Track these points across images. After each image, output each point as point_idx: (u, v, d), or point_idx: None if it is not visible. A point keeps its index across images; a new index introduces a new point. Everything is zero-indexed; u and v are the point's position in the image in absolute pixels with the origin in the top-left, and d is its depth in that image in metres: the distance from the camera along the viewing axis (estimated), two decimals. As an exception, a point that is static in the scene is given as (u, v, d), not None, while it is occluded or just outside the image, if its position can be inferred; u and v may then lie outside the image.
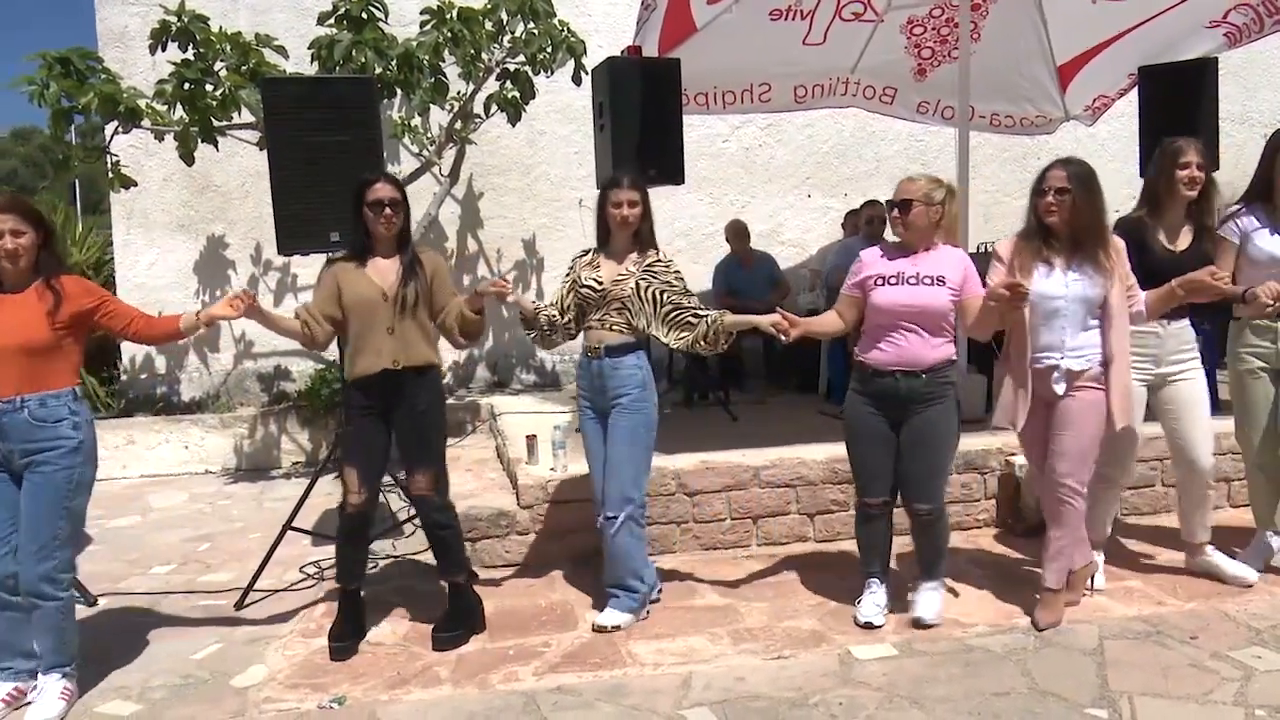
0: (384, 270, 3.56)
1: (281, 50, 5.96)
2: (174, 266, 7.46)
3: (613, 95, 5.27)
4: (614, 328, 3.62)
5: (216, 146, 6.02)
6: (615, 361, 3.60)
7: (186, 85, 5.65)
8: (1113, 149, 8.16)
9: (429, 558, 4.46)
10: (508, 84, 6.52)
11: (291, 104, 4.12)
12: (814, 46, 6.23)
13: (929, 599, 3.56)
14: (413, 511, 4.51)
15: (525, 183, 7.92)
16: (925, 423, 3.42)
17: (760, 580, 4.11)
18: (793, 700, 3.02)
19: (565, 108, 7.75)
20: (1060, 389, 3.42)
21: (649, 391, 3.66)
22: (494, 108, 6.65)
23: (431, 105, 6.29)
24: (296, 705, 3.10)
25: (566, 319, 3.73)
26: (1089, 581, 3.78)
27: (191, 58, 5.69)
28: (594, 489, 3.73)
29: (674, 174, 5.49)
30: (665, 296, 3.59)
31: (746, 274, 7.17)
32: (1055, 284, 3.41)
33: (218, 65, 5.74)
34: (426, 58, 5.94)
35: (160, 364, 7.42)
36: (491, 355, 8.03)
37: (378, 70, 5.71)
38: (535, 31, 6.26)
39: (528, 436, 4.74)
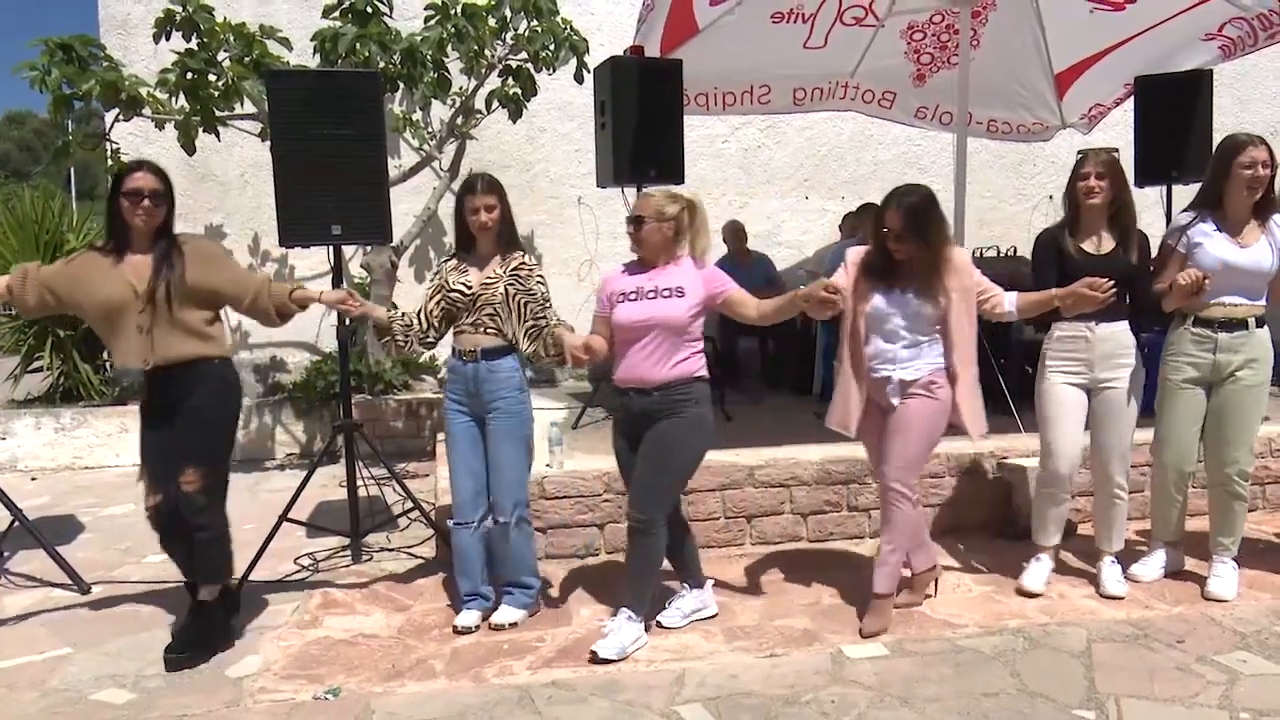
0: (138, 266, 3.39)
1: (285, 42, 5.97)
2: (171, 256, 7.45)
3: (614, 94, 5.30)
4: (488, 331, 3.60)
5: (218, 136, 6.03)
6: (492, 365, 3.59)
7: (189, 75, 5.66)
8: (1108, 157, 8.21)
9: (424, 550, 4.50)
10: (509, 80, 6.55)
11: (295, 97, 4.12)
12: (814, 50, 6.27)
13: (628, 628, 3.42)
14: (408, 504, 4.54)
15: (525, 179, 7.94)
16: (656, 434, 3.38)
17: (753, 579, 4.14)
18: (785, 698, 3.05)
19: (566, 105, 7.77)
20: (895, 399, 3.48)
21: (525, 393, 3.68)
22: (495, 104, 6.67)
23: (433, 100, 6.31)
24: (291, 696, 3.12)
25: (426, 326, 3.70)
26: (932, 586, 3.84)
27: (195, 47, 5.70)
28: (456, 492, 3.66)
29: (674, 174, 5.52)
30: (528, 309, 3.60)
31: (743, 274, 7.09)
32: (894, 300, 3.47)
33: (221, 55, 5.75)
34: (430, 53, 5.96)
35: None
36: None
37: (381, 64, 5.73)
38: (538, 29, 6.29)
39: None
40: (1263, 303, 3.66)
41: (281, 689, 3.17)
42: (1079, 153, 3.81)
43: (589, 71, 6.22)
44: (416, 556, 4.46)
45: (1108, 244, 3.71)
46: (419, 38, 5.94)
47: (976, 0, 5.61)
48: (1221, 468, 3.75)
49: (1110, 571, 3.87)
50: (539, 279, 3.67)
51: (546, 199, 7.99)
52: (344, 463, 4.47)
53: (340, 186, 4.15)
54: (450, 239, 7.87)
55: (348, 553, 4.44)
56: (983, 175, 8.33)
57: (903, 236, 3.41)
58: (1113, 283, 3.39)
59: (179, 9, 5.64)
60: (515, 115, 6.65)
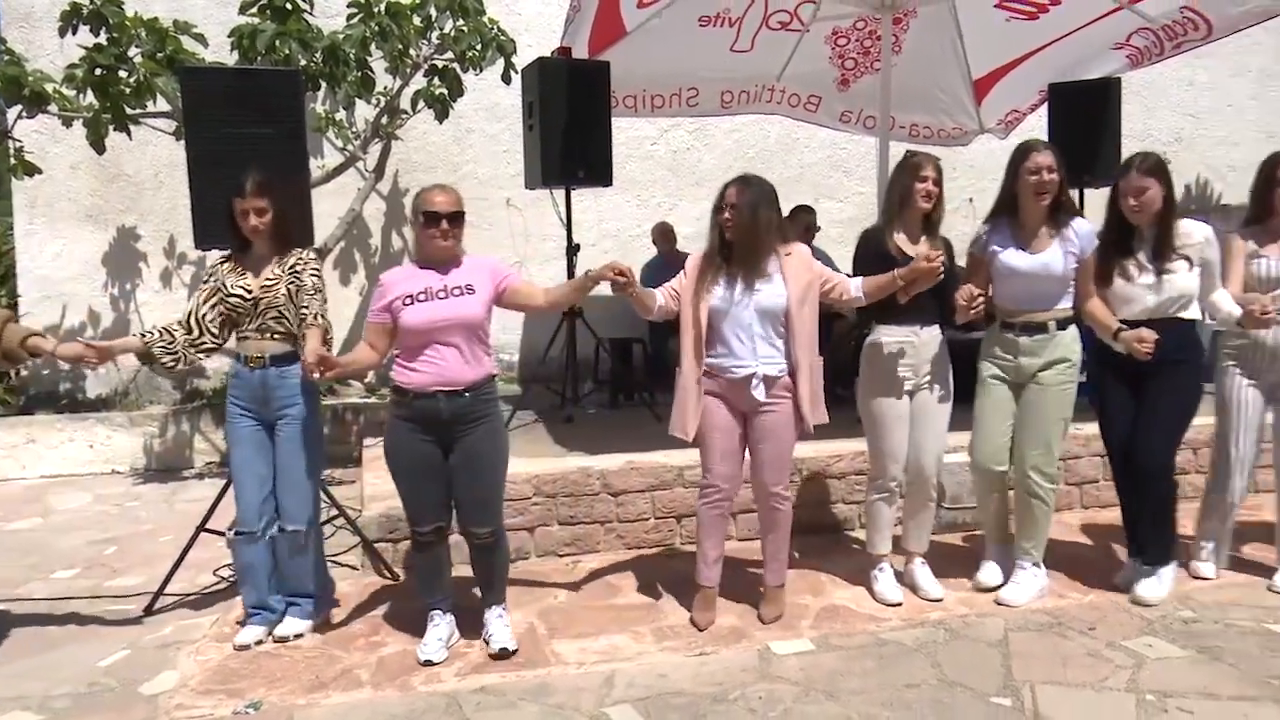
0: None
1: (200, 38, 5.82)
2: (81, 258, 7.21)
3: (542, 95, 5.29)
4: (275, 336, 3.51)
5: (130, 135, 5.84)
6: (281, 371, 3.49)
7: (98, 71, 5.47)
8: (1024, 162, 8.45)
9: (350, 559, 4.42)
10: (435, 80, 6.47)
11: (211, 95, 4.01)
12: (741, 53, 6.34)
13: (501, 629, 3.47)
14: (334, 512, 4.46)
15: (452, 180, 7.83)
16: (476, 445, 3.33)
17: (682, 579, 4.15)
18: (713, 695, 3.07)
19: (494, 106, 7.72)
20: (760, 395, 3.49)
21: (314, 399, 3.61)
22: (421, 104, 6.59)
23: (357, 99, 6.21)
24: (210, 712, 3.04)
25: (199, 333, 3.55)
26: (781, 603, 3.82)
27: (104, 42, 5.51)
28: (242, 500, 3.53)
29: (602, 175, 5.54)
30: (298, 297, 3.50)
31: (673, 275, 7.21)
32: (738, 295, 3.49)
33: (132, 51, 5.57)
34: (353, 51, 5.85)
35: (65, 359, 7.15)
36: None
37: (302, 62, 5.62)
38: (465, 29, 6.23)
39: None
40: (1065, 306, 3.70)
41: (199, 705, 3.08)
42: (910, 153, 3.80)
43: (516, 72, 6.19)
44: (342, 565, 4.38)
45: (924, 245, 3.69)
46: (341, 36, 5.84)
47: (898, 7, 5.73)
48: (1023, 467, 3.75)
49: (923, 573, 3.92)
50: (313, 271, 3.55)
51: (474, 200, 7.87)
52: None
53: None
54: (377, 240, 7.79)
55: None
56: (905, 178, 8.50)
57: (738, 208, 3.45)
58: (942, 254, 3.44)
59: (86, 2, 5.45)
60: (441, 116, 6.58)
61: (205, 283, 3.62)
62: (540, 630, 3.62)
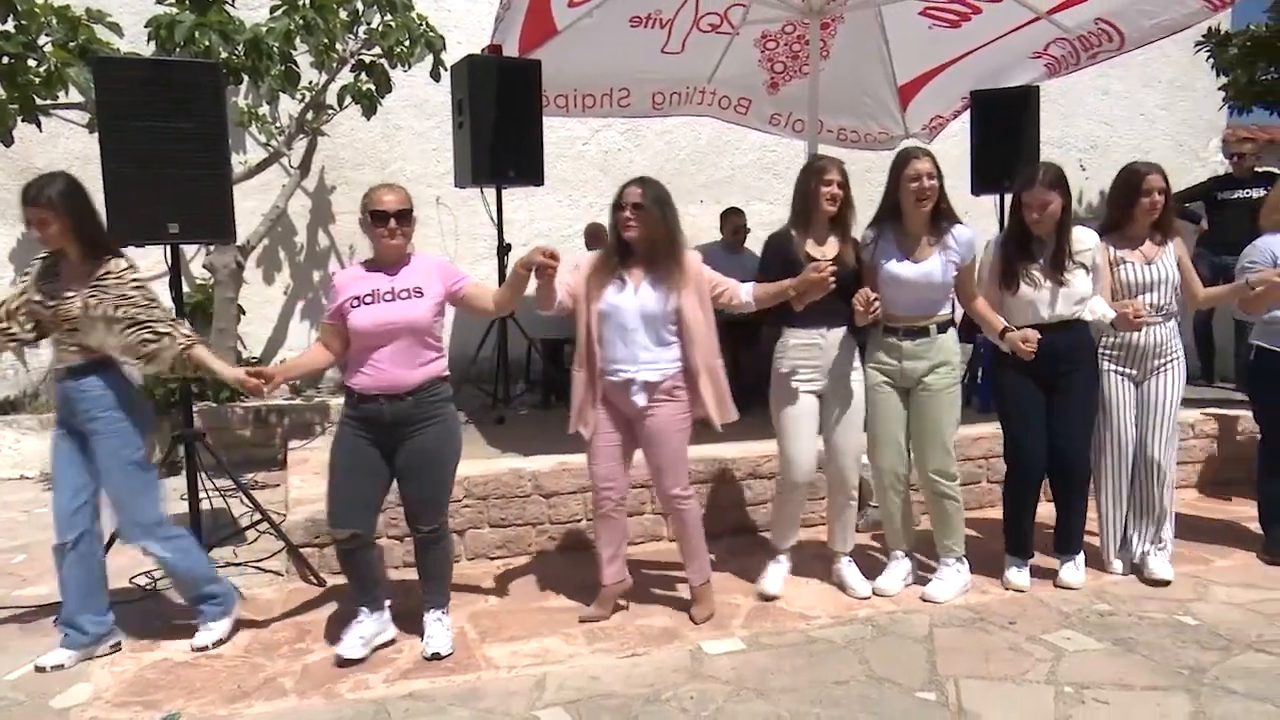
0: None
1: (115, 28, 5.60)
2: (-12, 254, 6.91)
3: (472, 93, 5.24)
4: (70, 349, 3.33)
5: (39, 127, 5.60)
6: (78, 384, 3.33)
7: (5, 59, 5.24)
8: (946, 167, 8.58)
9: (274, 564, 4.31)
10: (363, 76, 6.36)
11: (127, 86, 3.87)
12: (672, 55, 6.37)
13: (439, 632, 3.43)
14: (257, 517, 4.35)
15: (380, 178, 7.70)
16: (422, 447, 3.31)
17: (614, 580, 4.16)
18: (645, 696, 3.08)
19: (423, 103, 7.61)
20: (641, 400, 3.50)
21: (123, 409, 3.36)
22: (348, 100, 6.47)
23: (281, 94, 6.06)
24: (127, 723, 2.94)
25: (9, 323, 3.31)
26: (623, 599, 3.83)
27: (11, 29, 5.27)
28: (57, 511, 3.37)
29: (533, 174, 5.51)
30: (120, 312, 3.27)
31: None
32: (627, 298, 3.49)
33: (42, 39, 5.35)
34: (276, 45, 5.71)
35: (-30, 360, 6.85)
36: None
37: (223, 55, 5.46)
38: (393, 24, 6.13)
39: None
40: (945, 311, 3.81)
41: (114, 718, 2.98)
42: (815, 157, 3.83)
43: (446, 69, 6.12)
44: (266, 570, 4.28)
45: (833, 248, 3.75)
46: (264, 28, 5.69)
47: (826, 13, 5.81)
48: (925, 471, 3.83)
49: (850, 572, 3.96)
50: (133, 283, 3.32)
51: (403, 198, 7.80)
52: (185, 475, 4.24)
53: (178, 183, 3.93)
54: (302, 238, 7.61)
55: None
56: (833, 181, 8.62)
57: (641, 208, 3.45)
58: (834, 265, 3.50)
59: (-7, -13, 5.22)
60: (369, 112, 6.46)
61: (24, 274, 3.40)
62: (471, 634, 3.59)
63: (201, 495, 4.25)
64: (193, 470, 4.21)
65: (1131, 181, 3.99)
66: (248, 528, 4.63)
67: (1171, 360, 4.04)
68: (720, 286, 3.65)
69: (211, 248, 6.50)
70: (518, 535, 4.46)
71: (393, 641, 3.50)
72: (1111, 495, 4.12)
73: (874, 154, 8.15)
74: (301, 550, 4.14)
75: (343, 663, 3.29)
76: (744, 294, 3.66)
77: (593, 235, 7.36)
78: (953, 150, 8.30)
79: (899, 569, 3.99)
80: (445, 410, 3.40)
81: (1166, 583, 4.00)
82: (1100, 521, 4.18)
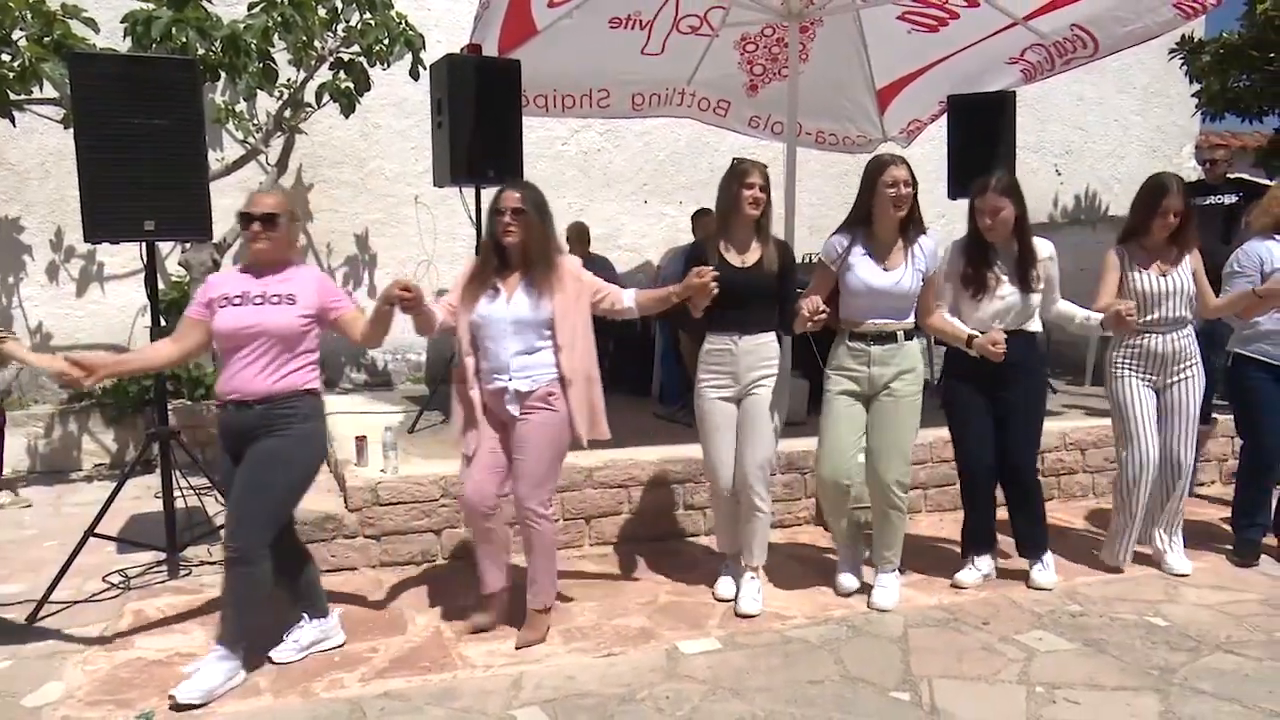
0: None
1: (91, 23, 5.57)
2: (-41, 250, 6.82)
3: (451, 92, 5.22)
4: None
5: (13, 122, 5.56)
6: None
7: (-22, 54, 5.19)
8: (924, 170, 8.64)
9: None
10: (341, 74, 6.33)
11: (103, 83, 3.84)
12: (652, 56, 6.37)
13: (217, 668, 3.13)
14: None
15: (359, 176, 7.70)
16: (255, 454, 3.14)
17: (591, 580, 4.17)
18: (621, 696, 3.08)
19: (402, 102, 7.59)
20: (514, 410, 3.42)
21: None
22: (326, 98, 6.44)
23: (259, 91, 6.03)
24: (99, 723, 2.92)
25: None
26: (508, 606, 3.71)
27: (-15, 24, 5.23)
28: None
29: (512, 174, 5.48)
30: None
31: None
32: (499, 307, 3.42)
33: (16, 34, 5.30)
34: (254, 41, 5.68)
35: (-59, 356, 6.75)
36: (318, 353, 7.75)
37: (200, 51, 5.43)
38: (372, 22, 6.11)
39: (357, 438, 4.62)
40: (911, 319, 3.77)
41: (86, 716, 2.95)
42: (738, 160, 3.79)
43: (425, 68, 6.10)
44: (240, 569, 4.24)
45: (754, 255, 3.72)
46: (242, 25, 5.66)
47: (804, 16, 5.84)
48: (879, 479, 3.76)
49: (749, 587, 3.82)
50: None
51: (382, 197, 7.78)
52: (159, 473, 4.21)
53: (154, 180, 3.91)
54: (279, 236, 7.56)
55: (164, 568, 4.18)
56: (812, 184, 8.67)
57: (521, 213, 3.39)
58: (715, 272, 3.42)
59: (-34, -19, 5.17)
60: (347, 110, 6.45)
61: None
62: (447, 633, 3.58)
63: (176, 493, 4.22)
64: (167, 468, 4.18)
65: (1153, 196, 4.01)
66: (222, 526, 4.58)
67: (1192, 366, 4.10)
68: (602, 292, 3.58)
69: (188, 245, 6.46)
70: (495, 535, 4.45)
71: (340, 646, 3.44)
72: (1132, 499, 4.13)
73: (852, 157, 8.22)
74: (277, 550, 4.11)
75: (272, 664, 3.26)
76: (627, 300, 3.60)
77: (576, 235, 7.37)
78: (932, 154, 8.39)
79: (847, 579, 3.96)
80: (296, 427, 3.18)
81: (1185, 575, 4.15)
82: (1118, 523, 4.22)
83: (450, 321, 3.50)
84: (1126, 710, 2.98)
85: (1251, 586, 4.05)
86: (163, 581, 4.11)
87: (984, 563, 4.09)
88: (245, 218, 3.26)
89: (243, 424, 3.16)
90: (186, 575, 4.17)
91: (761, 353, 3.72)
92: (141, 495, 5.31)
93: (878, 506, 3.86)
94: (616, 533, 4.63)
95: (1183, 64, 8.78)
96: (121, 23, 5.47)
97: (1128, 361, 4.12)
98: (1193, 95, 9.02)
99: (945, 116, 6.84)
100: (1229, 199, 6.38)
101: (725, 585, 3.94)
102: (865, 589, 3.93)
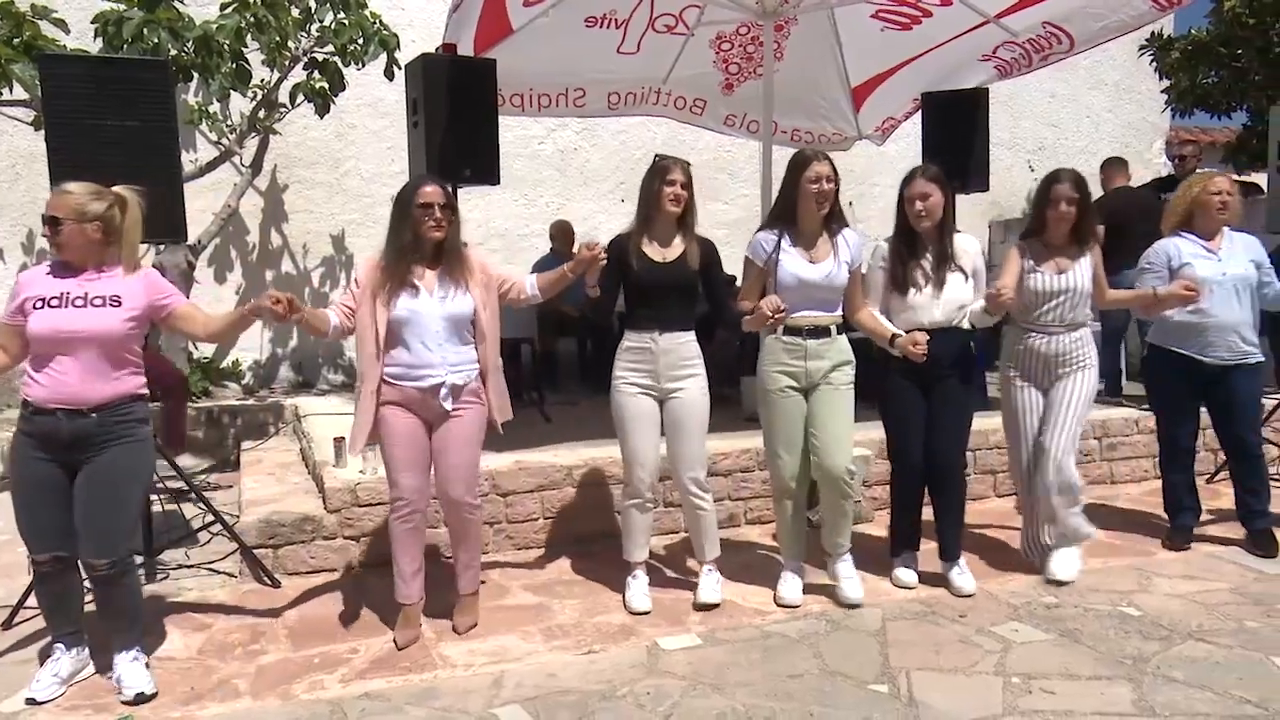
0: None
1: (61, 24, 5.51)
2: (-72, 254, 6.74)
3: (427, 92, 5.21)
4: None
5: (-18, 123, 5.49)
6: None
7: (-54, 55, 5.13)
8: (901, 167, 8.70)
9: (227, 565, 4.27)
10: (315, 74, 6.30)
11: (74, 84, 3.81)
12: (628, 55, 6.39)
13: (134, 673, 3.10)
14: (209, 518, 4.31)
15: (334, 177, 7.67)
16: (101, 467, 3.00)
17: (572, 578, 4.18)
18: (602, 693, 3.10)
19: (377, 102, 7.57)
20: (448, 405, 3.42)
21: None
22: (300, 98, 6.41)
23: (232, 92, 5.99)
24: (76, 729, 2.90)
25: None
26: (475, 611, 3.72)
27: (-48, 25, 5.17)
28: None
29: (489, 173, 5.49)
30: None
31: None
32: (424, 302, 3.39)
33: (-15, 35, 5.24)
34: (227, 42, 5.65)
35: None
36: (296, 354, 7.73)
37: (172, 52, 5.39)
38: (346, 22, 6.09)
39: (335, 438, 4.61)
40: (840, 314, 3.77)
41: (63, 723, 2.94)
42: (660, 156, 3.78)
43: (400, 68, 6.08)
44: (219, 573, 4.23)
45: (675, 251, 3.70)
46: (214, 25, 5.63)
47: (780, 14, 5.86)
48: (832, 470, 3.69)
49: (707, 580, 3.81)
50: None
51: (358, 198, 7.75)
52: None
53: (126, 181, 3.83)
54: (254, 237, 7.52)
55: (140, 572, 4.15)
56: (789, 181, 8.71)
57: (447, 207, 3.40)
58: (602, 245, 3.48)
59: (-67, -19, 5.11)
60: (322, 110, 6.42)
61: None
62: (427, 633, 3.58)
63: (153, 497, 4.19)
64: (143, 473, 4.14)
65: (1045, 187, 4.00)
66: (200, 529, 4.57)
67: (1079, 366, 4.03)
68: (507, 282, 3.61)
69: (161, 247, 6.41)
70: (475, 535, 4.45)
71: (92, 676, 3.23)
72: (1035, 498, 4.12)
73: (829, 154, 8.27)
74: (255, 551, 4.10)
75: (32, 703, 3.03)
76: (529, 287, 3.63)
77: (560, 232, 7.37)
78: (906, 151, 8.47)
79: (793, 581, 3.87)
80: (135, 431, 3.07)
81: (1063, 583, 4.00)
82: (1028, 526, 4.24)
83: (348, 324, 3.42)
84: (1101, 699, 3.02)
85: (1222, 576, 4.11)
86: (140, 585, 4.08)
87: (914, 560, 4.07)
88: (46, 220, 3.06)
89: (77, 433, 2.98)
90: (164, 579, 4.15)
91: (682, 352, 3.69)
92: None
93: (830, 497, 3.79)
94: (596, 531, 4.63)
95: (1152, 60, 8.89)
96: (92, 23, 5.42)
97: (1011, 362, 4.12)
98: (1162, 92, 9.13)
99: (920, 114, 6.89)
100: (1198, 194, 6.46)
101: (638, 597, 3.79)
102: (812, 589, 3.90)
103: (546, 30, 5.66)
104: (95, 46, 5.52)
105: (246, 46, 5.85)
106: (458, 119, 5.22)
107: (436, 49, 5.55)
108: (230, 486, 5.65)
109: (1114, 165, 7.00)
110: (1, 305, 3.32)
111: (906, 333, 3.72)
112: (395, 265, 3.41)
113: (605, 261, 3.52)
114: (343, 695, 3.10)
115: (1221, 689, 3.06)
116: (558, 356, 7.32)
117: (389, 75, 6.33)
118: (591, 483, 4.62)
